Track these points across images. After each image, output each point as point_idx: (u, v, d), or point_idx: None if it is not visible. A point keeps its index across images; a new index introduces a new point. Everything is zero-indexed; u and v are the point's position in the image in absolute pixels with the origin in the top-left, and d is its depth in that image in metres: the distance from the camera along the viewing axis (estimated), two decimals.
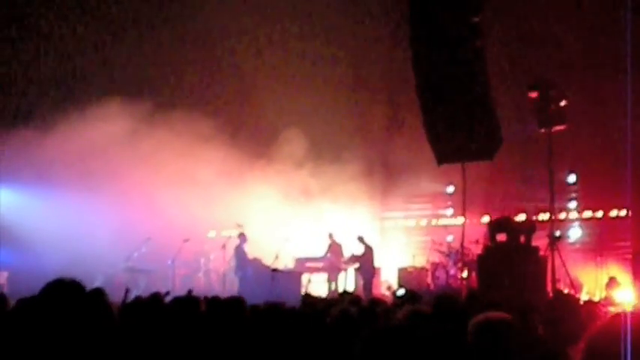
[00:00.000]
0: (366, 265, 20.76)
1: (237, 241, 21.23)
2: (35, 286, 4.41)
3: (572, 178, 21.75)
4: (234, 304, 6.62)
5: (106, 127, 22.15)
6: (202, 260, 22.58)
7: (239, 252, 21.03)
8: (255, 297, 10.95)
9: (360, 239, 21.04)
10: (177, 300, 7.00)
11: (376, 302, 8.90)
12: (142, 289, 19.57)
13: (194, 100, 23.67)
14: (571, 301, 8.50)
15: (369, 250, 20.86)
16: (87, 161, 21.90)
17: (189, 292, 8.07)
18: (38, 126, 22.50)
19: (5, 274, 21.88)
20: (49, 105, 22.95)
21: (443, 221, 24.09)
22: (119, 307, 6.58)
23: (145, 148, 22.38)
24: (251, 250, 21.17)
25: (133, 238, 21.32)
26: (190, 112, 22.81)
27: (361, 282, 20.68)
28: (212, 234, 24.02)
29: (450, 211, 23.88)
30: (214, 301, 7.32)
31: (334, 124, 23.34)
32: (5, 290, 18.86)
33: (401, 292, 19.02)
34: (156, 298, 7.49)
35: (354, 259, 21.02)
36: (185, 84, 24.59)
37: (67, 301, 4.23)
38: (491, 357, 4.29)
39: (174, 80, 24.47)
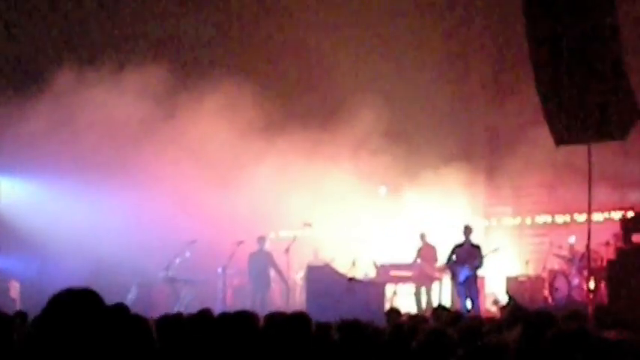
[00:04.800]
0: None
1: (257, 246, 21.23)
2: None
3: None
4: (297, 321, 6.66)
5: (136, 99, 22.28)
6: None
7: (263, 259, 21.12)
8: (326, 312, 11.06)
9: (467, 229, 19.75)
10: (228, 316, 7.06)
11: (481, 321, 8.82)
12: (185, 303, 19.84)
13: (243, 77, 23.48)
14: None
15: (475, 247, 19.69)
16: (113, 142, 21.98)
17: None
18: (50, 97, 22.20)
19: (17, 285, 21.99)
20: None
21: (563, 218, 23.82)
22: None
23: (185, 131, 22.52)
24: (322, 254, 21.27)
25: (174, 241, 21.47)
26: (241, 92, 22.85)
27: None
28: (271, 235, 24.12)
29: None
30: (274, 318, 7.37)
31: (421, 90, 23.13)
32: (18, 306, 19.27)
33: (504, 301, 18.96)
34: (204, 315, 7.59)
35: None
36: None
37: (77, 320, 3.77)
38: None
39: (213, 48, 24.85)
